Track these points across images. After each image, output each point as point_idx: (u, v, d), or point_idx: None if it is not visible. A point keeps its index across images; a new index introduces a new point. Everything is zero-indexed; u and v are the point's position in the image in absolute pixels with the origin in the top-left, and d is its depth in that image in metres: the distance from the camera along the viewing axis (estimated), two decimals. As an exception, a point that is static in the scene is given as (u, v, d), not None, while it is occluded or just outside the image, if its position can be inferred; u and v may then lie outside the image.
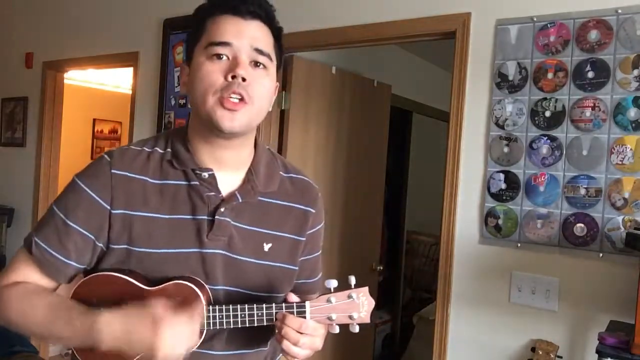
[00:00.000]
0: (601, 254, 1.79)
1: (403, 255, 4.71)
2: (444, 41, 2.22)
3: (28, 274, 0.98)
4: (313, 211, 1.11)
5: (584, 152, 1.82)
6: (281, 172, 1.09)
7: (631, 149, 1.76)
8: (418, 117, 4.66)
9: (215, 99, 0.92)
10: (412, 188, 4.70)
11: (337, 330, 0.96)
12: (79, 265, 0.97)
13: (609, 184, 1.79)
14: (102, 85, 4.61)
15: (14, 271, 0.99)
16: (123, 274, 0.95)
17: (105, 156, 1.00)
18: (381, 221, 3.47)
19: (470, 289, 2.03)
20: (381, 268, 3.39)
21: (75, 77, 4.25)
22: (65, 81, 3.75)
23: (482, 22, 2.03)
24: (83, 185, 0.97)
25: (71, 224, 0.95)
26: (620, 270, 1.76)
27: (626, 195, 1.76)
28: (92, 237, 0.96)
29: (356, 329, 0.97)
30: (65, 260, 0.96)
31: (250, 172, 1.03)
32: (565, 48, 1.87)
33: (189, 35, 1.02)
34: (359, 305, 0.95)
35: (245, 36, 0.94)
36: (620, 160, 1.77)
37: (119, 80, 4.59)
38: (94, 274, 0.97)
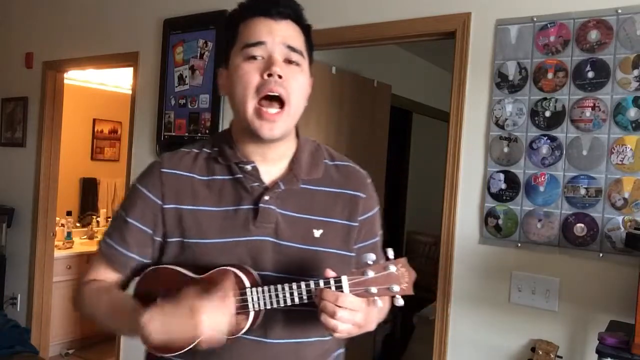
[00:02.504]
0: (601, 254, 1.79)
1: (403, 255, 4.71)
2: (444, 41, 2.22)
3: (101, 270, 1.09)
4: (363, 196, 1.11)
5: (584, 152, 1.82)
6: (326, 161, 1.12)
7: (631, 149, 1.76)
8: (418, 117, 4.66)
9: (253, 106, 0.98)
10: (412, 188, 4.70)
11: (380, 304, 0.94)
12: (142, 259, 1.07)
13: (609, 184, 1.79)
14: (102, 85, 4.60)
15: (91, 268, 1.11)
16: (174, 266, 1.02)
17: (157, 159, 1.10)
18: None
19: (470, 289, 2.03)
20: (381, 268, 3.37)
21: (75, 77, 4.23)
22: (65, 81, 3.74)
23: (482, 22, 2.03)
24: (138, 186, 1.07)
25: (130, 220, 1.05)
26: (620, 270, 1.76)
27: (626, 195, 1.76)
28: (150, 231, 1.05)
29: (400, 302, 0.94)
30: (128, 253, 1.06)
31: (293, 162, 1.08)
32: (565, 48, 1.87)
33: (224, 40, 1.08)
34: (398, 277, 0.93)
35: (278, 35, 0.99)
36: (620, 160, 1.77)
37: (119, 80, 4.58)
38: (149, 269, 1.05)
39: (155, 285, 1.01)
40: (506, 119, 1.97)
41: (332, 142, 2.98)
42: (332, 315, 0.90)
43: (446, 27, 2.10)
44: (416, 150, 4.75)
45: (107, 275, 1.08)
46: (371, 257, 0.94)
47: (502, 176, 1.97)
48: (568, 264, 1.85)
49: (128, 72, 3.39)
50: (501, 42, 1.98)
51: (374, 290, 0.92)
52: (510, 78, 1.96)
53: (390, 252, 0.95)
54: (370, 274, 0.93)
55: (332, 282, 0.93)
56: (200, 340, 0.89)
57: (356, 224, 1.09)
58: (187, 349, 0.93)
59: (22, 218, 3.71)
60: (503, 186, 1.96)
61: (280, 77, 0.97)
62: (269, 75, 0.96)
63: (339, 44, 2.46)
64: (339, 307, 0.90)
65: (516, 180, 1.94)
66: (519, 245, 1.93)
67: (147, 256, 1.06)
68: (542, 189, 1.89)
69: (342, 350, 1.16)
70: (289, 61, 0.99)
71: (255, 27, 1.00)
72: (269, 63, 0.97)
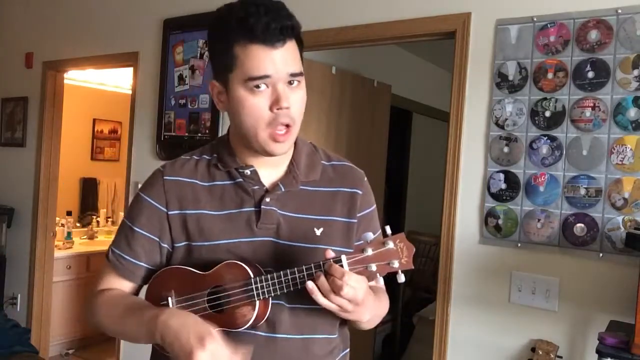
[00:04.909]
0: (601, 254, 1.79)
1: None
2: (444, 41, 2.22)
3: (110, 279, 1.11)
4: (360, 192, 1.15)
5: (584, 152, 1.82)
6: (323, 162, 1.15)
7: (631, 149, 1.76)
8: (418, 117, 4.66)
9: (266, 134, 1.00)
10: (412, 188, 4.70)
11: (381, 281, 0.97)
12: (150, 266, 1.09)
13: (609, 184, 1.79)
14: (102, 85, 4.60)
15: (101, 279, 1.13)
16: (182, 265, 1.06)
17: (159, 167, 1.12)
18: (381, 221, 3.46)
19: (470, 289, 2.03)
20: (381, 268, 3.38)
21: (75, 77, 4.24)
22: (65, 81, 3.75)
23: (482, 22, 2.03)
24: (143, 195, 1.10)
25: (136, 229, 1.08)
26: (620, 270, 1.76)
27: (626, 195, 1.76)
28: (157, 239, 1.08)
29: (402, 278, 0.94)
30: (136, 262, 1.08)
31: (292, 164, 1.10)
32: (565, 48, 1.87)
33: (215, 54, 1.05)
34: (397, 252, 0.93)
35: (280, 64, 0.99)
36: (620, 160, 1.77)
37: (119, 80, 4.58)
38: (158, 272, 1.08)
39: (167, 285, 1.05)
40: (506, 119, 1.97)
41: (332, 142, 2.99)
42: (338, 291, 0.91)
43: (446, 27, 2.10)
44: (416, 150, 4.75)
45: (118, 285, 1.10)
46: (369, 235, 0.96)
47: (502, 176, 1.97)
48: (568, 264, 1.85)
49: (128, 72, 3.39)
50: (501, 42, 1.98)
51: (373, 267, 0.93)
52: (510, 78, 1.96)
53: (388, 229, 0.96)
54: (369, 251, 0.94)
55: (331, 262, 0.94)
56: None
57: (355, 221, 1.12)
58: None
59: (22, 218, 3.71)
60: (503, 186, 1.96)
61: (287, 107, 0.99)
62: (278, 109, 0.98)
63: (339, 44, 2.46)
64: (345, 283, 0.91)
65: (516, 180, 1.94)
66: (519, 245, 1.93)
67: (156, 263, 1.09)
68: (542, 189, 1.89)
69: (347, 351, 1.18)
70: (290, 82, 1.01)
71: (256, 58, 0.97)
72: (275, 96, 0.98)
